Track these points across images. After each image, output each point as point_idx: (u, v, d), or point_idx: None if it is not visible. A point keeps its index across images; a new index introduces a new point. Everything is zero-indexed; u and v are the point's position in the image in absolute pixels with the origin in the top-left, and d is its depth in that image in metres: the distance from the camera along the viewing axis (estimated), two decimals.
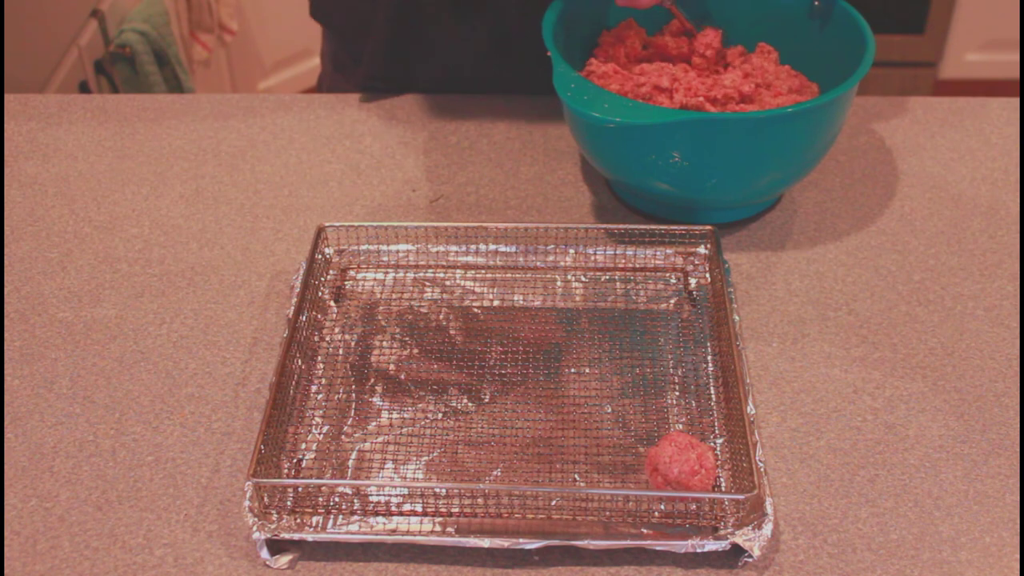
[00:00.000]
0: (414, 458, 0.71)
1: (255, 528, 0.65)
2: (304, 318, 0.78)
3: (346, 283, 0.84)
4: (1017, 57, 2.39)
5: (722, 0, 0.96)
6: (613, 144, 0.86)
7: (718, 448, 0.71)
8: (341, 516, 0.67)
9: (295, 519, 0.67)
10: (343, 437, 0.72)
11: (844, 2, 0.90)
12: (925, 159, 0.98)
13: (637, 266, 0.85)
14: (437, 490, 0.67)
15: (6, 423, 0.75)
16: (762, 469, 0.68)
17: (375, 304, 0.83)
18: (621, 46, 0.94)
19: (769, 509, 0.66)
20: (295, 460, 0.71)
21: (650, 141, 0.82)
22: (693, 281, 0.83)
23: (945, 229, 0.90)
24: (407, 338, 0.80)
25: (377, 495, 0.68)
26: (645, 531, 0.66)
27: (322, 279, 0.83)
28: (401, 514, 0.67)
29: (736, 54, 0.95)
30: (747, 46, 0.96)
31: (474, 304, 0.82)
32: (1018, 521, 0.68)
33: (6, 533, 0.68)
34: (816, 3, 0.92)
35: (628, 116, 0.78)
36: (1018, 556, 0.66)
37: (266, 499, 0.67)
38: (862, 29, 0.87)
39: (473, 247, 0.86)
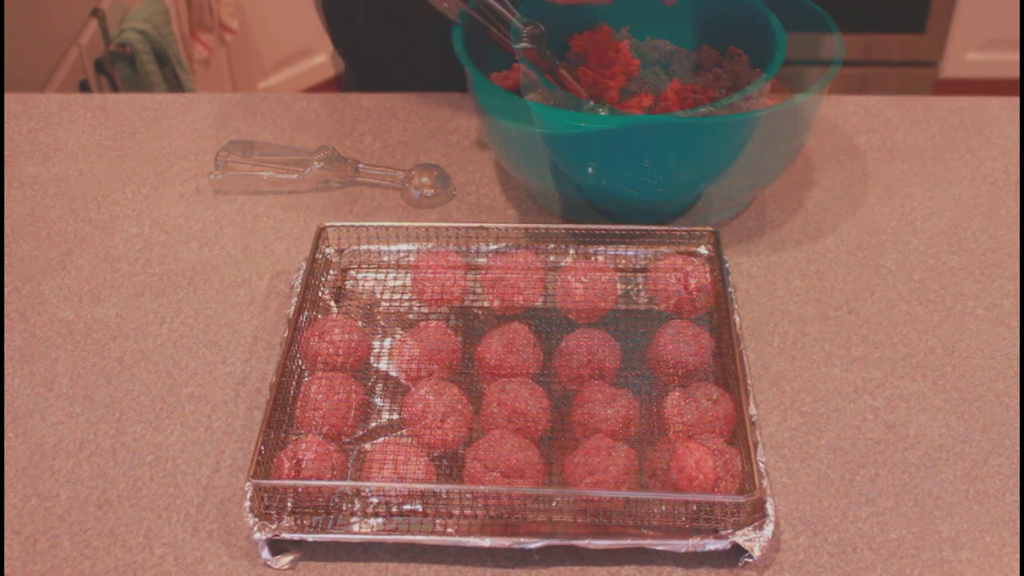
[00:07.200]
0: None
1: (256, 528, 0.65)
2: (304, 318, 0.78)
3: (346, 283, 0.84)
4: (1017, 57, 2.39)
5: (693, 3, 0.96)
6: (579, 149, 0.85)
7: (718, 448, 0.70)
8: (341, 516, 0.67)
9: (295, 519, 0.67)
10: (343, 437, 0.72)
11: (816, 6, 0.89)
12: (925, 159, 0.98)
13: (637, 266, 0.85)
14: (437, 490, 0.67)
15: (6, 423, 0.75)
16: (763, 469, 0.68)
17: (375, 304, 0.83)
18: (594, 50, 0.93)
19: (770, 509, 0.66)
20: (295, 460, 0.71)
21: (615, 145, 0.82)
22: (693, 281, 0.83)
23: (945, 229, 0.90)
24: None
25: (377, 495, 0.68)
26: (645, 531, 0.66)
27: (322, 279, 0.83)
28: (401, 514, 0.67)
29: (707, 58, 0.94)
30: (719, 50, 0.95)
31: (474, 304, 0.82)
32: (1018, 521, 0.68)
33: (6, 533, 0.68)
34: None
35: (594, 121, 0.78)
36: (1018, 556, 0.66)
37: (266, 499, 0.67)
38: (831, 32, 0.85)
39: (473, 247, 0.86)
